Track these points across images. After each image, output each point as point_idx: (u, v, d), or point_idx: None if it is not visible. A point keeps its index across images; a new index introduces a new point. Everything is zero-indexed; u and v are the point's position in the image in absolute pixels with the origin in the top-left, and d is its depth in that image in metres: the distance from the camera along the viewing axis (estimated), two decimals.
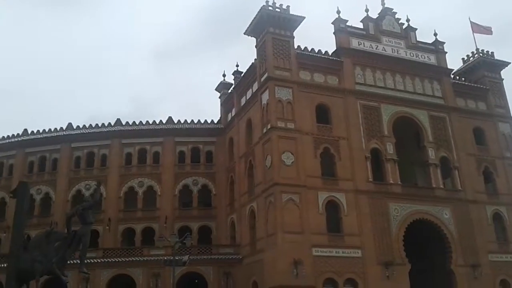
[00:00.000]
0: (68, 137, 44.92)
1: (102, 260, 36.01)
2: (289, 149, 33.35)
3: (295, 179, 32.69)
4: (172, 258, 27.58)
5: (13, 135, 47.06)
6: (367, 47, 39.51)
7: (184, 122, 45.90)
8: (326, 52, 38.29)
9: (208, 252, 37.28)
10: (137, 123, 45.66)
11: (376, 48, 39.80)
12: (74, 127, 45.91)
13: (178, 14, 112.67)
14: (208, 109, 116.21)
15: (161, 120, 45.76)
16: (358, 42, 39.42)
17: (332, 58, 38.05)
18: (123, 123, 45.57)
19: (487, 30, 44.21)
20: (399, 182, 35.96)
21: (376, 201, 34.44)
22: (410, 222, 34.76)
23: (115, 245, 39.82)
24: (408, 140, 38.65)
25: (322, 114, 36.09)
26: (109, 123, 45.76)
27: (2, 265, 32.40)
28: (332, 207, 33.40)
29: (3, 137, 47.34)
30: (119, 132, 44.56)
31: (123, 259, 36.35)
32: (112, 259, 36.36)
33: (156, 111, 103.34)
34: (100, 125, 45.86)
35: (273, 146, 33.35)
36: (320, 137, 35.06)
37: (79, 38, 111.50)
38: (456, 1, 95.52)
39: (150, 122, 45.70)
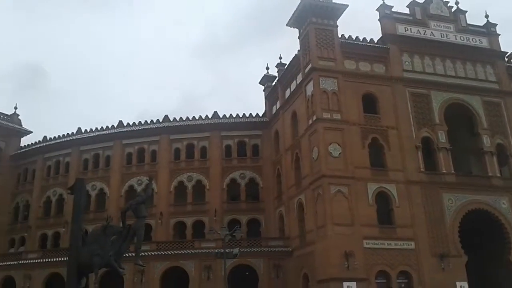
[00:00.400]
0: (119, 135, 46.55)
1: (155, 253, 37.06)
2: (336, 140, 32.91)
3: (343, 170, 32.25)
4: (223, 250, 28.02)
5: (68, 134, 49.33)
6: (414, 32, 38.24)
7: (229, 116, 46.35)
8: (371, 40, 37.39)
9: (258, 245, 37.57)
10: (184, 118, 46.50)
11: (424, 34, 38.43)
12: (125, 125, 47.44)
13: (222, 9, 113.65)
14: (254, 103, 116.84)
15: (207, 115, 46.42)
16: (405, 28, 38.20)
17: (378, 45, 37.13)
18: (171, 119, 46.57)
19: None
20: (453, 172, 34.73)
21: (429, 191, 33.45)
22: (465, 212, 33.54)
23: (167, 238, 40.90)
24: (461, 128, 37.17)
25: (369, 104, 35.33)
26: (158, 120, 46.96)
27: (63, 259, 34.23)
28: (382, 198, 32.74)
29: (59, 136, 49.71)
30: (167, 128, 45.58)
31: (175, 252, 37.27)
32: (165, 252, 37.36)
33: (204, 107, 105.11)
34: (149, 121, 47.19)
35: (319, 138, 33.01)
36: (368, 127, 34.36)
37: (129, 38, 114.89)
38: None
39: (197, 118, 46.42)
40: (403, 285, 31.25)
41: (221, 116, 46.23)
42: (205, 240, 38.18)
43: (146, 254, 33.73)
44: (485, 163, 35.87)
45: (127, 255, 15.94)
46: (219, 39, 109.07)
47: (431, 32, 38.70)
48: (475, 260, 33.07)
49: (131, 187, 44.05)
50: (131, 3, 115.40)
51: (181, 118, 46.63)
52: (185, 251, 37.16)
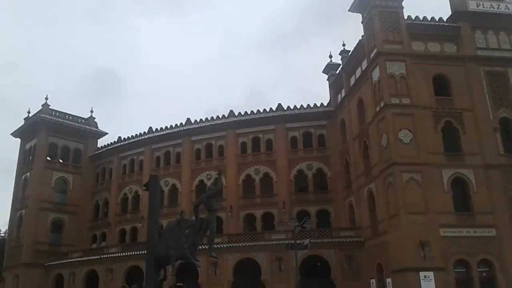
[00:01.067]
0: (187, 132, 48.00)
1: (227, 245, 37.88)
2: (406, 126, 31.71)
3: (415, 157, 31.05)
4: (293, 242, 28.03)
5: (140, 133, 51.64)
6: (487, 7, 35.79)
7: (293, 108, 46.16)
8: (440, 18, 35.52)
9: (329, 236, 37.23)
10: (249, 113, 46.95)
11: (497, 8, 35.88)
12: (192, 122, 48.81)
13: (283, 0, 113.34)
14: (318, 93, 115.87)
15: (271, 108, 46.56)
16: (476, 3, 35.85)
17: (447, 24, 35.22)
18: (236, 114, 47.21)
19: None
20: None
21: (510, 175, 31.35)
22: None
23: (238, 231, 41.68)
24: None
25: (441, 86, 33.67)
26: (223, 115, 47.84)
27: (141, 252, 35.94)
28: (458, 184, 31.17)
29: (132, 136, 52.20)
30: (233, 123, 46.32)
31: (246, 244, 37.88)
32: (237, 244, 38.08)
33: (269, 100, 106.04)
34: (215, 117, 48.18)
35: (389, 124, 31.97)
36: (440, 110, 32.78)
37: (193, 37, 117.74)
38: None
39: (261, 111, 46.69)
40: (484, 274, 29.66)
41: (285, 108, 46.16)
42: (275, 232, 38.43)
43: (219, 246, 34.61)
44: None
45: (201, 247, 16.36)
46: (282, 32, 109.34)
47: (506, 5, 36.08)
48: None
49: (201, 181, 45.32)
50: (195, 2, 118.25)
51: (246, 112, 47.15)
52: (256, 243, 37.64)
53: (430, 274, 28.21)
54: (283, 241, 32.86)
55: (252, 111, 46.99)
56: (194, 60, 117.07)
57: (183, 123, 49.08)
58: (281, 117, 45.25)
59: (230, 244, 38.07)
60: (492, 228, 30.11)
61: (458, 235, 29.75)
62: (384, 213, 31.94)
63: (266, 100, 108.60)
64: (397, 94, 32.70)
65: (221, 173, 20.09)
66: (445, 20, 35.43)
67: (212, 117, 48.43)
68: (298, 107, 46.07)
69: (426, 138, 31.64)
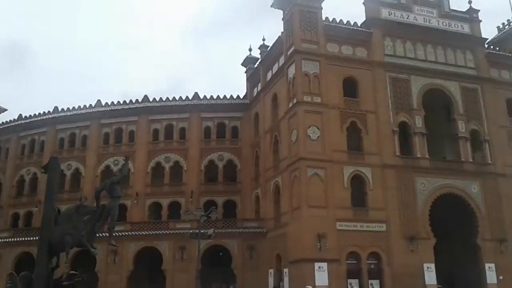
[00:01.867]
0: (97, 114, 45.81)
1: (130, 233, 36.94)
2: (315, 124, 32.96)
3: (321, 153, 32.38)
4: (197, 231, 28.02)
5: (44, 112, 48.33)
6: (397, 17, 38.19)
7: (210, 97, 46.00)
8: (355, 23, 37.17)
9: (233, 226, 37.71)
10: (164, 99, 45.85)
11: (407, 18, 38.41)
12: (103, 104, 46.61)
13: None
14: (237, 85, 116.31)
15: (187, 96, 45.93)
16: (389, 12, 38.10)
17: (361, 29, 36.94)
18: (150, 99, 45.89)
19: None
20: (427, 156, 35.11)
21: (403, 175, 33.82)
22: (437, 196, 34.03)
23: (142, 219, 40.81)
24: (438, 113, 37.50)
25: (350, 88, 35.33)
26: (137, 100, 46.35)
27: (34, 238, 33.73)
28: (357, 181, 33.02)
29: (35, 114, 48.61)
30: (146, 109, 45.03)
31: (150, 232, 37.21)
32: (140, 232, 37.25)
33: (189, 88, 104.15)
34: (128, 101, 46.45)
35: (299, 121, 33.01)
36: (347, 111, 34.45)
37: (113, 18, 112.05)
38: None
39: (177, 98, 45.84)
40: (372, 266, 31.78)
41: (201, 97, 45.80)
42: (180, 221, 38.08)
43: (120, 234, 33.66)
44: (459, 148, 36.35)
45: (100, 235, 15.78)
46: (208, 21, 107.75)
47: (415, 16, 38.67)
48: (444, 243, 33.76)
49: (108, 167, 43.52)
50: None
51: (160, 98, 46.09)
52: (160, 232, 37.13)
53: (324, 265, 29.64)
54: (187, 231, 32.70)
55: (167, 98, 46.04)
56: (118, 42, 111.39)
57: (93, 105, 46.69)
58: (196, 106, 44.84)
59: (132, 232, 37.17)
60: (384, 223, 32.34)
61: (353, 229, 31.53)
62: (288, 205, 33.01)
63: (186, 89, 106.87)
64: (310, 93, 33.81)
65: (128, 159, 19.42)
66: (359, 26, 37.17)
67: (124, 101, 46.74)
68: (215, 97, 46.00)
69: (332, 136, 33.08)
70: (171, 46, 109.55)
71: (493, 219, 35.00)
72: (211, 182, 43.51)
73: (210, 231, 28.58)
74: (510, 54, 40.90)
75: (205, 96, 45.95)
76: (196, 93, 45.87)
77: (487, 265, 33.71)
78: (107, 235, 16.05)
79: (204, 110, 44.90)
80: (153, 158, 43.74)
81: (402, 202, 33.09)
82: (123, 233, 35.37)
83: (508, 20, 43.09)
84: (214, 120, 44.67)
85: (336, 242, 30.68)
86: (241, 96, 46.45)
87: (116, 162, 42.97)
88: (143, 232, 37.19)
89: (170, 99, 45.83)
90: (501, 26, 43.68)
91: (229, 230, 36.88)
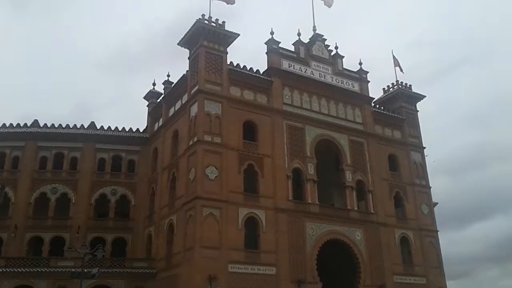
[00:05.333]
0: None
1: (4, 269, 33.38)
2: (214, 163, 33.30)
3: (218, 193, 32.62)
4: (80, 270, 26.16)
5: None
6: (296, 69, 40.73)
7: (107, 128, 44.36)
8: (257, 70, 38.90)
9: (121, 265, 35.79)
10: (56, 125, 43.26)
11: (305, 72, 41.14)
12: None
13: (139, 23, 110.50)
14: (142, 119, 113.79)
15: (82, 125, 43.87)
16: (289, 64, 40.53)
17: (262, 77, 38.72)
18: (41, 124, 43.00)
19: (401, 66, 47.36)
20: (317, 202, 37.01)
21: (294, 219, 35.15)
22: (324, 241, 35.75)
23: (20, 254, 37.26)
24: (329, 162, 40.01)
25: (249, 131, 36.48)
26: (25, 124, 43.10)
27: None
28: (251, 223, 33.58)
29: None
30: (35, 134, 42.07)
31: (27, 269, 33.85)
32: (15, 269, 33.72)
33: (98, 118, 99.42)
34: (15, 125, 42.98)
35: (198, 159, 33.12)
36: (246, 153, 35.34)
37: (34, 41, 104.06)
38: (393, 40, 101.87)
39: (71, 126, 43.54)
40: None
41: (98, 127, 44.02)
42: (62, 258, 35.17)
43: None
44: (346, 196, 38.93)
45: None
46: (129, 54, 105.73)
47: (312, 71, 41.57)
48: None
49: None
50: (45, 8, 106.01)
51: (52, 124, 43.37)
52: (39, 269, 33.91)
53: None
54: (70, 269, 30.36)
55: (60, 125, 43.47)
56: (27, 66, 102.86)
57: None
58: (91, 135, 42.88)
59: (7, 269, 33.56)
60: (274, 266, 32.98)
61: (245, 272, 31.73)
62: (181, 245, 32.40)
63: (97, 118, 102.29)
64: (210, 132, 34.32)
65: (5, 186, 17.88)
66: (261, 73, 38.95)
67: (11, 124, 43.06)
68: (113, 128, 44.55)
69: (229, 177, 33.61)
70: (86, 76, 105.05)
71: (374, 266, 37.53)
72: (101, 217, 41.24)
73: (94, 271, 26.83)
74: (392, 114, 45.48)
75: (102, 126, 44.39)
76: (92, 123, 44.15)
77: None
78: None
79: (99, 141, 43.04)
80: (38, 187, 40.53)
81: (292, 246, 34.19)
82: None
83: (392, 83, 47.98)
84: (109, 152, 42.96)
85: (227, 285, 30.58)
86: (141, 130, 45.46)
87: None
88: (19, 269, 33.69)
89: (63, 126, 43.36)
90: (386, 88, 48.51)
91: (116, 270, 34.91)
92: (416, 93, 47.75)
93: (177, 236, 33.54)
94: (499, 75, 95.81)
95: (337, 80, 42.75)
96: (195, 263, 30.20)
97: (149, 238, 38.50)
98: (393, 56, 47.56)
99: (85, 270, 26.23)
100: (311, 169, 37.60)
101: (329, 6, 44.46)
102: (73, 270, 28.90)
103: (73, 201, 40.50)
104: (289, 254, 33.80)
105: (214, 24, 37.14)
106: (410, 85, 47.91)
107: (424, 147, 46.11)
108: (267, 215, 34.10)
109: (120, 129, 44.68)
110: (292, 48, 41.59)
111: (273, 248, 33.45)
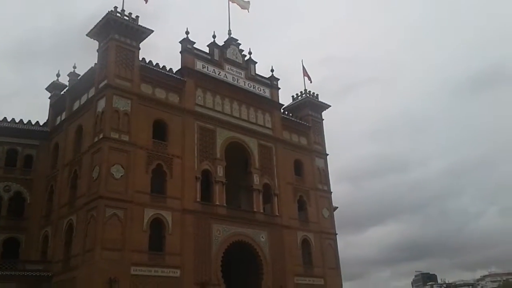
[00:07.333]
0: None
1: None
2: (120, 162, 32.25)
3: (123, 193, 31.64)
4: None
5: None
6: (210, 71, 40.81)
7: (2, 119, 40.82)
8: (170, 69, 38.36)
9: (12, 268, 33.29)
10: None
11: (218, 74, 41.37)
12: None
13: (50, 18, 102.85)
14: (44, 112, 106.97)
15: None
16: (203, 65, 40.49)
17: (175, 76, 38.27)
18: None
19: (309, 76, 49.63)
20: (225, 204, 37.40)
21: (201, 221, 35.20)
22: (229, 243, 36.22)
23: None
24: (238, 165, 40.65)
25: (159, 130, 35.83)
26: None
27: None
28: (157, 225, 33.04)
29: None
30: None
31: None
32: None
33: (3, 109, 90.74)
34: None
35: (103, 157, 31.84)
36: (154, 153, 34.66)
37: None
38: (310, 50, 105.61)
39: None
40: None
41: None
42: None
43: None
44: (252, 199, 39.82)
45: None
46: (40, 46, 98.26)
47: (225, 74, 41.94)
48: None
49: None
50: None
51: None
52: None
53: None
54: None
55: None
56: None
57: None
58: None
59: None
60: (178, 269, 32.73)
61: (148, 274, 31.12)
62: (80, 247, 30.97)
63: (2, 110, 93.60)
64: (118, 130, 33.15)
65: None
66: (174, 72, 38.44)
67: None
68: (9, 120, 41.07)
69: (136, 177, 32.72)
70: None
71: (276, 267, 38.82)
72: None
73: None
74: (299, 121, 47.42)
75: None
76: None
77: None
78: None
79: None
80: None
81: (198, 248, 34.20)
82: None
83: (301, 92, 50.01)
84: (4, 146, 39.64)
85: None
86: (41, 123, 42.53)
87: None
88: None
89: None
90: (295, 96, 50.43)
91: (6, 273, 32.41)
92: (322, 102, 50.23)
93: (77, 237, 31.97)
94: (402, 95, 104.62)
95: (249, 85, 43.58)
96: (95, 266, 29.00)
97: (45, 239, 36.26)
98: (303, 66, 49.71)
99: None
100: (220, 171, 37.88)
101: (245, 8, 45.17)
102: None
103: None
104: (194, 256, 33.73)
105: (127, 18, 35.97)
106: (317, 94, 50.29)
107: (327, 154, 48.68)
108: (173, 217, 33.75)
109: (17, 121, 41.39)
110: (207, 50, 41.58)
111: (178, 250, 33.20)
